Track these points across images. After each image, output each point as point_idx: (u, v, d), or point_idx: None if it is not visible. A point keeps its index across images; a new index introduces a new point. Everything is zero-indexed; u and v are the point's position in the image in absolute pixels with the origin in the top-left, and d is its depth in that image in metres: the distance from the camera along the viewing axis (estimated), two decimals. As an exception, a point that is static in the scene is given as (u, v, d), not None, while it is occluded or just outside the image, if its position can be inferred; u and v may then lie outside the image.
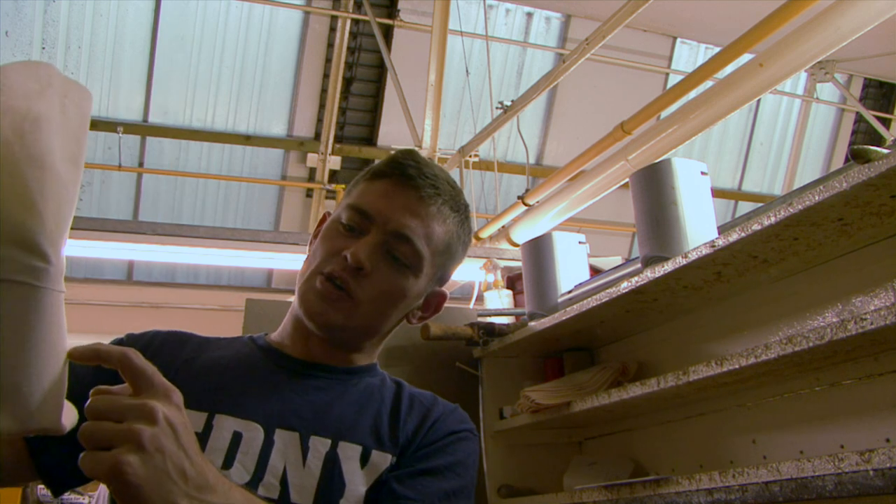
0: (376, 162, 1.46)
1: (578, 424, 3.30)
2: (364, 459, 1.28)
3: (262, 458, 1.23)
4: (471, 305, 4.64)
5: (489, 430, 3.32)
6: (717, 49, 4.41)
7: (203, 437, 1.23)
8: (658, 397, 2.57)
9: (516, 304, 4.05)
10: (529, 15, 7.90)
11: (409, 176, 1.37)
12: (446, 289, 1.52)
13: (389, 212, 1.35)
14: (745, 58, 4.05)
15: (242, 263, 4.98)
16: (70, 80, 0.89)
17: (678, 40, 8.26)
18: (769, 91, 4.12)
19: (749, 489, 2.05)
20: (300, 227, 8.22)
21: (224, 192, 8.08)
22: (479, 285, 4.83)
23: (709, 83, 4.33)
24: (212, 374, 1.34)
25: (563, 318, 2.92)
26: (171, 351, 1.38)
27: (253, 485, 1.20)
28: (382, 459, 1.29)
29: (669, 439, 2.92)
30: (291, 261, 4.64)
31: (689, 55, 8.40)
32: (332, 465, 1.25)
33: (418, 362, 3.44)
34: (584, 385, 2.95)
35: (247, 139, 7.78)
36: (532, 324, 3.14)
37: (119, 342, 1.34)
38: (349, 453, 1.28)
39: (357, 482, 1.25)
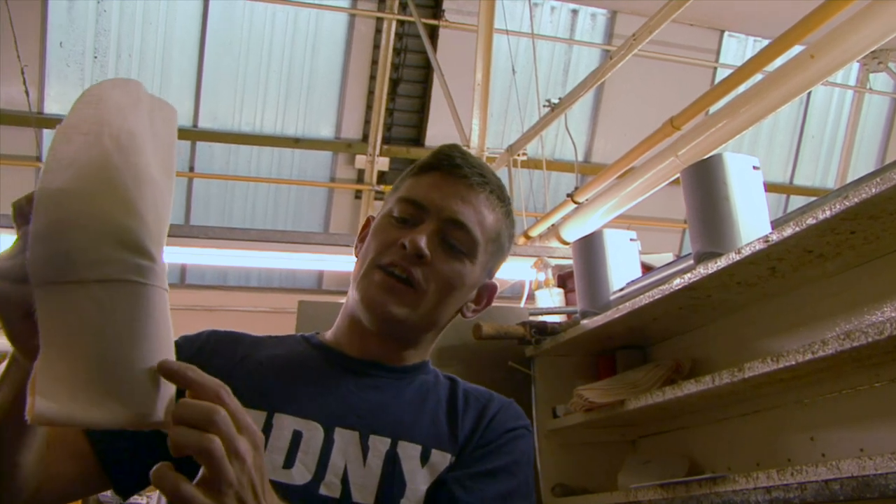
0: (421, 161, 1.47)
1: (632, 423, 3.28)
2: (424, 459, 1.28)
3: (323, 457, 1.23)
4: (522, 304, 4.63)
5: (542, 429, 3.32)
6: (766, 41, 4.35)
7: (264, 436, 1.24)
8: (713, 395, 2.55)
9: (568, 303, 4.03)
10: (575, 12, 7.87)
11: (457, 165, 1.38)
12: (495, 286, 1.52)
13: (442, 200, 1.36)
14: (795, 50, 3.99)
15: (293, 265, 5.02)
16: (156, 97, 0.92)
17: (726, 33, 8.17)
18: (820, 83, 4.06)
19: (808, 487, 2.02)
20: (350, 228, 8.26)
21: (274, 194, 8.14)
22: (529, 284, 4.82)
23: (758, 76, 4.28)
24: (268, 373, 1.35)
25: (616, 315, 2.91)
26: (226, 350, 1.39)
27: (314, 484, 1.21)
28: (442, 458, 1.29)
29: (725, 437, 2.89)
30: (342, 262, 4.67)
31: (737, 48, 8.30)
32: (392, 465, 1.25)
33: (471, 362, 3.44)
34: (638, 383, 2.94)
35: (295, 142, 7.83)
36: (584, 322, 3.13)
37: (175, 345, 1.36)
38: (409, 452, 1.28)
39: (418, 481, 1.25)
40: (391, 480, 1.24)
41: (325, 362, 1.39)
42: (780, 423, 2.64)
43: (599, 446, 3.36)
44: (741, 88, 4.36)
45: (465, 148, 1.47)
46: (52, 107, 7.28)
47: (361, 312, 1.36)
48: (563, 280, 4.23)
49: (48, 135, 7.38)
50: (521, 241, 5.66)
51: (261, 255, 4.40)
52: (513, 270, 4.94)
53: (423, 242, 1.31)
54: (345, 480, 1.22)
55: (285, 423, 1.26)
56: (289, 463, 1.22)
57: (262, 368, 1.36)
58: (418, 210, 1.36)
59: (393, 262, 1.32)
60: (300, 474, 1.21)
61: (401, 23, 7.33)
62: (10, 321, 0.87)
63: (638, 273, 3.16)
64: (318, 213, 8.29)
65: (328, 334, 1.46)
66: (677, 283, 2.58)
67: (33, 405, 0.78)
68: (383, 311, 1.32)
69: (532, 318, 3.46)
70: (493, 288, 1.50)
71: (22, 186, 7.35)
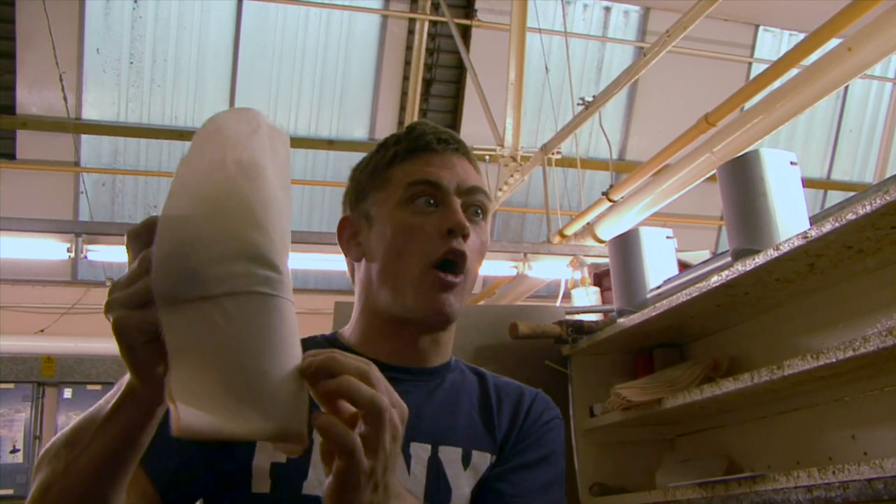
0: (385, 147, 1.41)
1: (670, 421, 3.26)
2: (465, 461, 1.28)
3: None
4: (558, 303, 4.63)
5: (580, 428, 3.31)
6: (802, 35, 4.31)
7: (304, 453, 1.23)
8: (752, 392, 2.53)
9: (604, 301, 4.02)
10: (608, 9, 7.85)
11: (442, 140, 1.36)
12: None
13: (451, 174, 1.33)
14: (832, 43, 3.95)
15: (329, 267, 5.05)
16: (273, 125, 0.96)
17: (761, 28, 8.11)
18: (858, 76, 4.02)
19: (850, 486, 2.00)
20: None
21: (309, 196, 8.19)
22: (565, 283, 4.82)
23: (794, 71, 4.24)
24: None
25: (653, 314, 2.89)
26: None
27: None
28: (482, 459, 1.29)
29: (764, 435, 2.87)
30: (377, 263, 4.68)
31: (772, 43, 8.24)
32: (436, 471, 1.25)
33: (507, 361, 3.44)
34: (676, 381, 2.92)
35: (329, 144, 7.88)
36: (621, 320, 3.11)
37: None
38: (451, 456, 1.27)
39: (462, 485, 1.25)
40: (436, 486, 1.24)
41: None
42: (820, 421, 2.61)
43: (637, 445, 3.35)
44: (777, 83, 4.32)
45: (421, 121, 1.45)
46: (90, 112, 7.37)
47: (417, 315, 1.30)
48: (599, 278, 4.22)
49: (86, 140, 7.48)
50: (557, 239, 5.65)
51: (296, 257, 4.43)
52: (549, 269, 4.94)
53: (464, 219, 1.29)
54: None
55: None
56: None
57: None
58: (436, 190, 1.31)
59: (447, 256, 1.28)
60: None
61: (433, 23, 7.35)
62: (133, 348, 0.86)
63: (674, 271, 3.14)
64: (352, 214, 8.32)
65: (350, 336, 1.40)
66: (715, 280, 2.56)
67: (178, 417, 0.78)
68: (448, 313, 1.29)
69: (568, 317, 3.45)
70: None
71: (60, 191, 7.45)
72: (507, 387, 1.43)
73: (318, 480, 1.17)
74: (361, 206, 1.38)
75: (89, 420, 0.95)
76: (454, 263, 1.28)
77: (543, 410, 1.40)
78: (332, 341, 1.41)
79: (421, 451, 1.27)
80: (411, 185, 1.31)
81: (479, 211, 1.35)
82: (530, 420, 1.37)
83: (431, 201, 1.31)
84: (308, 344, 1.34)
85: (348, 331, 1.41)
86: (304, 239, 4.40)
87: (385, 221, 1.32)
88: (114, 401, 0.92)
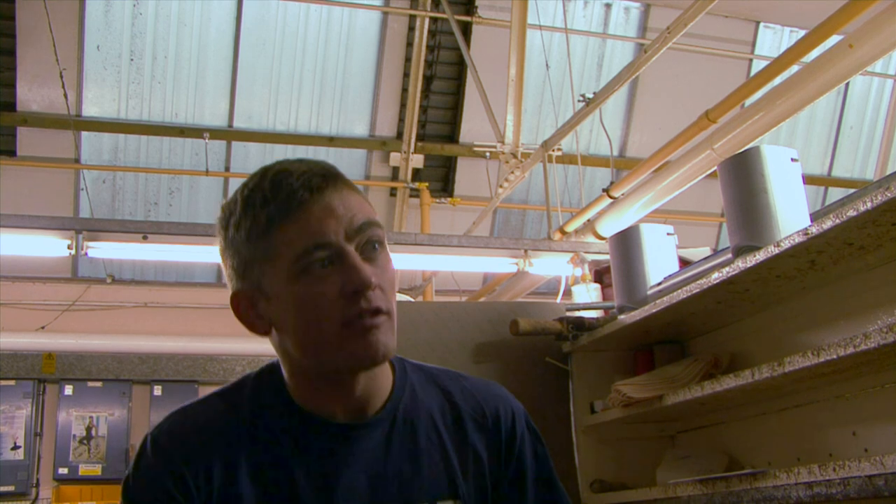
0: (253, 208, 1.27)
1: (671, 418, 3.26)
2: None
3: None
4: (558, 300, 4.62)
5: (580, 424, 3.31)
6: (803, 32, 4.30)
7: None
8: (752, 389, 2.53)
9: (604, 298, 4.02)
10: (608, 6, 7.84)
11: (312, 187, 1.25)
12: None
13: (338, 222, 1.23)
14: (833, 39, 3.94)
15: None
16: None
17: (761, 25, 8.10)
18: (859, 73, 4.01)
19: (851, 483, 2.00)
20: (385, 225, 8.24)
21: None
22: (566, 279, 4.81)
23: (795, 67, 4.23)
24: (275, 471, 1.27)
25: (653, 310, 2.89)
26: (220, 453, 1.27)
27: None
28: None
29: (764, 432, 2.87)
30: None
31: (772, 40, 8.23)
32: None
33: (508, 358, 3.45)
34: (676, 378, 2.92)
35: (330, 140, 7.87)
36: (622, 317, 3.11)
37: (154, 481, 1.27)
38: None
39: None
40: None
41: (317, 437, 1.30)
42: (820, 417, 2.61)
43: (637, 442, 3.35)
44: (777, 80, 4.31)
45: (276, 163, 1.32)
46: (90, 109, 7.37)
47: (350, 366, 1.26)
48: (600, 275, 4.22)
49: (86, 137, 7.48)
50: (557, 236, 5.65)
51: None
52: (549, 266, 4.93)
53: (367, 273, 1.22)
54: None
55: None
56: None
57: (273, 467, 1.28)
58: (326, 250, 1.22)
59: (358, 313, 1.22)
60: None
61: (434, 20, 7.34)
62: None
63: (675, 267, 3.14)
64: (353, 211, 8.31)
65: (293, 391, 1.32)
66: (715, 277, 2.56)
67: None
68: (382, 351, 1.23)
69: (569, 314, 3.45)
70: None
71: (61, 188, 7.45)
72: (469, 406, 1.40)
73: None
74: (250, 277, 1.27)
75: None
76: (370, 313, 1.23)
77: (512, 417, 1.40)
78: (278, 391, 1.33)
79: None
80: (300, 257, 1.22)
81: (376, 244, 1.27)
82: (505, 436, 1.38)
83: (324, 263, 1.22)
84: (263, 396, 1.33)
85: (287, 377, 1.33)
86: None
87: (283, 297, 1.24)
88: None
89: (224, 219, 1.30)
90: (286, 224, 1.22)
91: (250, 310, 1.29)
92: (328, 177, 1.27)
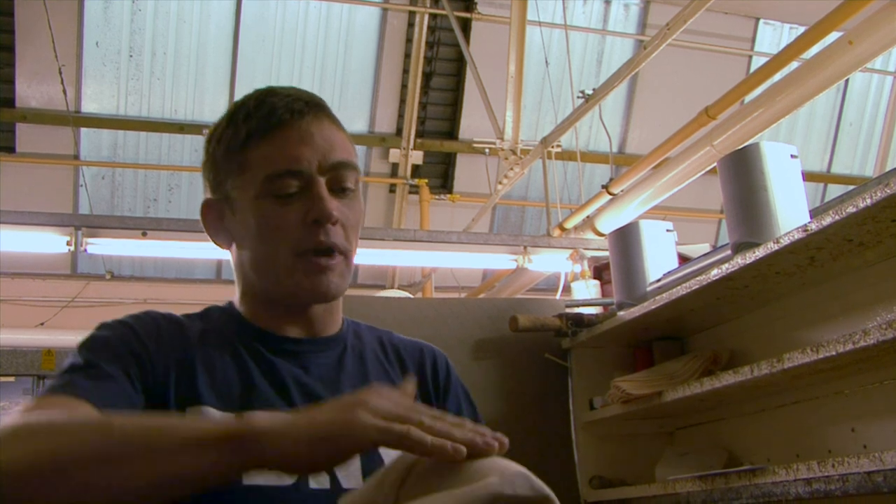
0: (236, 124, 1.31)
1: (670, 414, 3.27)
2: None
3: None
4: (558, 296, 4.62)
5: (579, 421, 3.31)
6: (803, 29, 4.29)
7: None
8: (751, 386, 2.53)
9: (604, 294, 4.02)
10: (607, 2, 7.83)
11: (295, 110, 1.26)
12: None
13: (312, 153, 1.25)
14: (833, 36, 3.94)
15: (329, 260, 5.04)
16: None
17: (761, 21, 8.10)
18: (859, 69, 4.01)
19: (850, 479, 2.00)
20: (384, 222, 8.28)
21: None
22: (565, 276, 4.81)
23: (794, 64, 4.23)
24: (230, 368, 1.25)
25: (653, 307, 2.89)
26: (177, 342, 1.26)
27: (304, 478, 1.14)
28: None
29: (763, 428, 2.87)
30: (377, 256, 4.75)
31: (772, 36, 8.22)
32: None
33: (507, 354, 3.45)
34: (676, 374, 2.93)
35: (329, 137, 7.86)
36: (621, 313, 3.12)
37: (124, 325, 1.25)
38: None
39: (390, 453, 1.18)
40: (371, 459, 1.18)
41: (270, 349, 1.29)
42: (819, 414, 2.62)
43: (637, 438, 3.36)
44: (777, 77, 4.31)
45: (270, 88, 1.34)
46: (89, 106, 7.36)
47: (298, 297, 1.28)
48: (599, 271, 4.22)
49: (85, 133, 7.47)
50: (557, 232, 5.64)
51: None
52: (548, 262, 4.93)
53: (331, 207, 1.23)
54: (330, 469, 1.14)
55: None
56: None
57: (225, 365, 1.26)
58: (296, 177, 1.23)
59: (316, 246, 1.23)
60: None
61: (433, 16, 7.34)
62: (354, 451, 0.96)
63: (674, 264, 3.14)
64: (352, 207, 8.31)
65: (243, 309, 1.35)
66: (715, 273, 2.56)
67: None
68: (330, 291, 1.26)
69: (568, 310, 3.45)
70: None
71: (60, 184, 7.44)
72: (405, 347, 1.43)
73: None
74: (221, 189, 1.31)
75: (173, 430, 0.96)
76: (325, 252, 1.24)
77: (447, 363, 1.43)
78: (229, 313, 1.35)
79: None
80: (271, 178, 1.24)
81: (348, 187, 1.28)
82: (441, 377, 1.40)
83: (293, 189, 1.24)
84: (212, 315, 1.35)
85: (238, 302, 1.36)
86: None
87: (247, 211, 1.27)
88: (229, 446, 0.93)
89: (210, 134, 1.36)
90: (262, 141, 1.25)
91: (217, 221, 1.32)
92: (312, 104, 1.29)
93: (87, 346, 1.20)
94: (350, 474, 1.17)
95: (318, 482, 1.15)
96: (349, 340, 1.36)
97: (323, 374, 1.29)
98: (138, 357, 1.19)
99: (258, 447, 0.93)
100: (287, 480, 1.12)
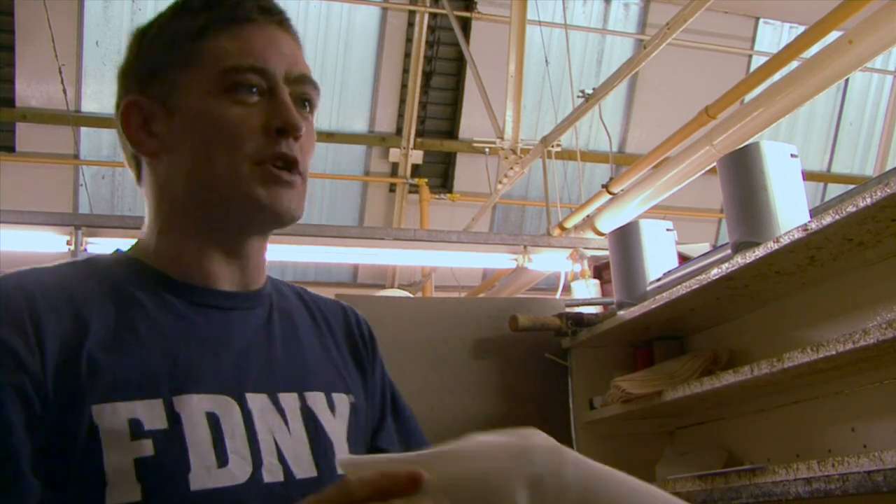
0: (189, 12, 1.13)
1: (670, 414, 3.27)
2: (331, 407, 1.10)
3: (251, 438, 0.99)
4: (558, 296, 4.62)
5: (579, 420, 3.31)
6: (803, 28, 4.30)
7: (174, 435, 0.94)
8: (751, 385, 2.53)
9: (604, 294, 4.02)
10: (607, 2, 7.83)
11: (265, 9, 1.10)
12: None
13: (279, 57, 1.08)
14: (833, 36, 3.94)
15: (329, 259, 5.04)
16: None
17: (761, 21, 8.10)
18: (859, 69, 4.01)
19: (850, 479, 2.00)
20: (384, 221, 8.28)
21: (308, 189, 8.17)
22: (565, 275, 4.81)
23: (794, 64, 4.23)
24: (130, 338, 0.99)
25: (653, 306, 2.89)
26: (57, 312, 0.99)
27: (257, 473, 0.98)
28: (342, 402, 1.12)
29: (763, 428, 2.87)
30: (377, 256, 4.73)
31: (772, 36, 8.22)
32: (312, 423, 1.06)
33: (507, 354, 3.45)
34: (676, 374, 2.93)
35: (329, 136, 7.86)
36: (621, 313, 3.12)
37: None
38: (319, 405, 1.09)
39: (340, 437, 1.08)
40: (318, 442, 1.05)
41: (187, 305, 1.06)
42: (819, 413, 2.62)
43: (637, 438, 3.35)
44: (777, 76, 4.31)
45: None
46: (89, 105, 7.36)
47: (247, 213, 1.07)
48: (599, 271, 4.22)
49: (85, 133, 7.47)
50: (557, 232, 5.64)
51: (296, 250, 4.41)
52: (548, 262, 4.93)
53: (298, 116, 1.07)
54: (281, 458, 1.00)
55: (193, 407, 0.97)
56: (222, 458, 0.96)
57: (119, 335, 0.99)
58: (262, 77, 1.06)
59: (279, 156, 1.06)
60: (240, 468, 0.97)
61: (433, 16, 7.34)
62: None
63: (674, 263, 3.14)
64: (352, 206, 8.32)
65: (151, 252, 1.10)
66: (715, 273, 2.56)
67: None
68: (287, 211, 1.07)
69: (568, 310, 3.45)
70: None
71: (60, 184, 7.45)
72: (326, 305, 1.25)
73: (205, 468, 0.94)
74: (156, 86, 1.09)
75: None
76: (287, 165, 1.07)
77: (368, 324, 1.27)
78: (129, 265, 1.09)
79: (290, 400, 1.06)
80: (231, 71, 1.06)
81: (308, 104, 1.12)
82: (367, 340, 1.24)
83: (254, 88, 1.06)
84: (101, 270, 1.07)
85: (146, 244, 1.11)
86: (303, 231, 4.39)
87: (194, 112, 1.07)
88: None
89: (142, 29, 1.17)
90: (225, 34, 1.08)
91: (143, 125, 1.09)
92: (282, 13, 1.12)
93: None
94: (300, 458, 1.03)
95: (272, 475, 0.99)
96: (273, 296, 1.16)
97: (254, 338, 1.09)
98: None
99: None
100: (240, 479, 0.96)
